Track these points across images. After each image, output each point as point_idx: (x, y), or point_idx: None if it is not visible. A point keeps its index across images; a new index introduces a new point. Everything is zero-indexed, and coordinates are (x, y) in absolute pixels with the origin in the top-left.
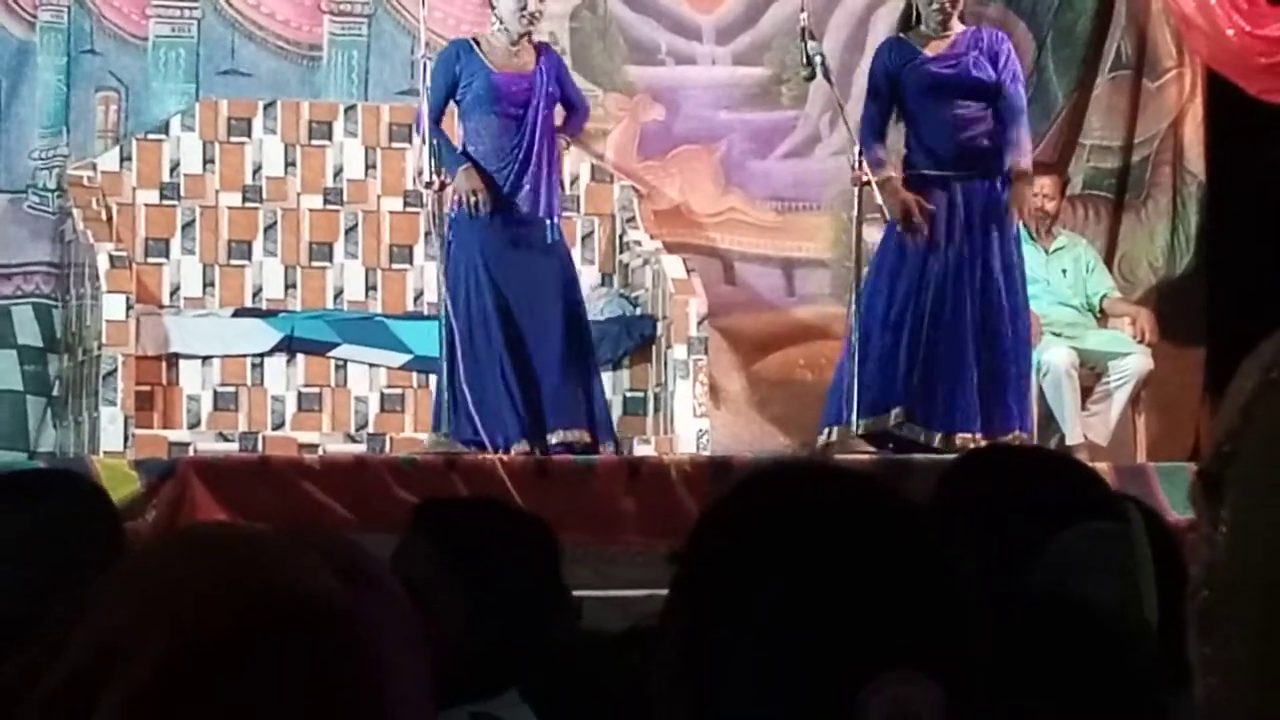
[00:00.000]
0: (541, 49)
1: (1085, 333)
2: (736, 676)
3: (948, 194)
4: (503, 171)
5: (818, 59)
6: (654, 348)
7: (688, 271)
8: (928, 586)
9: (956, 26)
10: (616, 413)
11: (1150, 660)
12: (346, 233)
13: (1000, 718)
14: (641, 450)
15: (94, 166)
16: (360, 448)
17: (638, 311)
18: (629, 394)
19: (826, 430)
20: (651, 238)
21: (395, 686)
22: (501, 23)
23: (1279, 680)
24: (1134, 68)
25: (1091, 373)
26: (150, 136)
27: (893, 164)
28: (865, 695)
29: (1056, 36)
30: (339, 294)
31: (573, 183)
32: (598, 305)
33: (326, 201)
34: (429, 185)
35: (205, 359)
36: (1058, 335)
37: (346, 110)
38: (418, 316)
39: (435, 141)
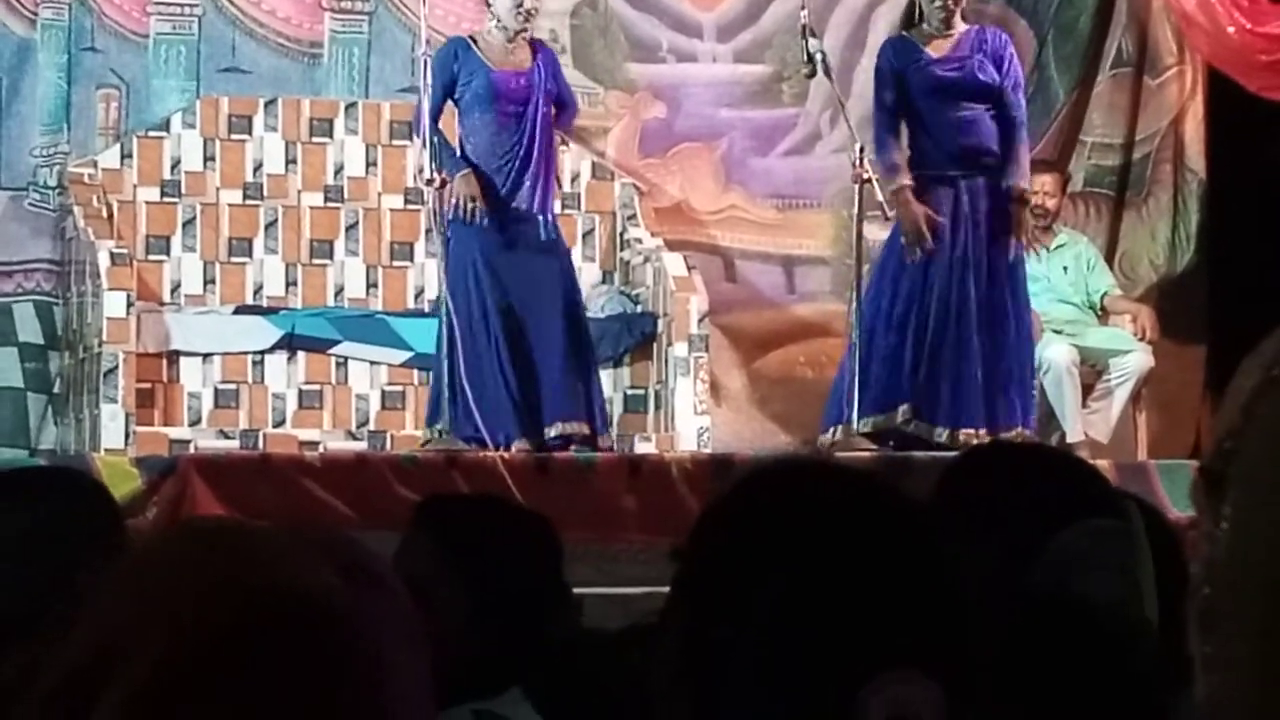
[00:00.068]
0: (537, 46)
1: (1086, 330)
2: (737, 674)
3: (953, 193)
4: (503, 169)
5: (819, 56)
6: (655, 345)
7: (688, 269)
8: (928, 585)
9: (959, 25)
10: (617, 410)
11: (1151, 658)
12: (347, 230)
13: (1001, 717)
14: (642, 448)
15: (95, 164)
16: (361, 445)
17: (638, 309)
18: (630, 391)
19: (830, 430)
20: (652, 235)
21: (396, 684)
22: (498, 20)
23: None
24: (1135, 65)
25: (1092, 370)
26: (151, 134)
27: (907, 171)
28: (865, 694)
29: (1057, 34)
30: (340, 291)
31: (573, 180)
32: (598, 303)
33: (327, 199)
34: (430, 182)
35: (206, 356)
36: (1058, 333)
37: (347, 108)
38: (418, 314)
39: (434, 139)
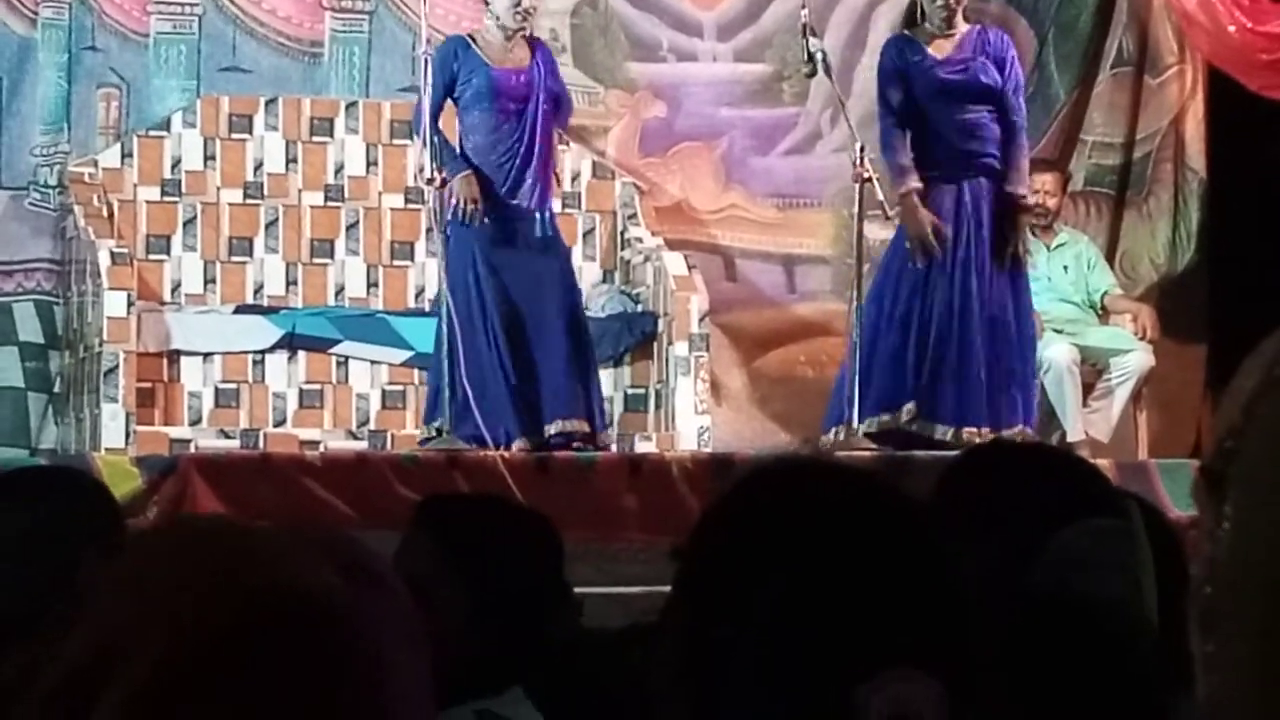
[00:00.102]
0: (535, 43)
1: (1087, 329)
2: (738, 673)
3: (955, 195)
4: (504, 166)
5: (819, 56)
6: (655, 344)
7: (689, 268)
8: (929, 584)
9: (961, 25)
10: (618, 409)
11: (1151, 658)
12: (348, 229)
13: (1002, 716)
14: (643, 447)
15: (95, 163)
16: (362, 445)
17: (639, 308)
18: (630, 391)
19: (833, 429)
20: (653, 234)
21: (396, 684)
22: (497, 19)
23: None
24: (1135, 64)
25: (1093, 369)
26: (151, 133)
27: (915, 173)
28: (866, 693)
29: (1058, 33)
30: (340, 291)
31: (574, 179)
32: (599, 302)
33: (328, 198)
34: (430, 182)
35: (206, 356)
36: (1059, 332)
37: (348, 107)
38: (419, 313)
39: (435, 138)
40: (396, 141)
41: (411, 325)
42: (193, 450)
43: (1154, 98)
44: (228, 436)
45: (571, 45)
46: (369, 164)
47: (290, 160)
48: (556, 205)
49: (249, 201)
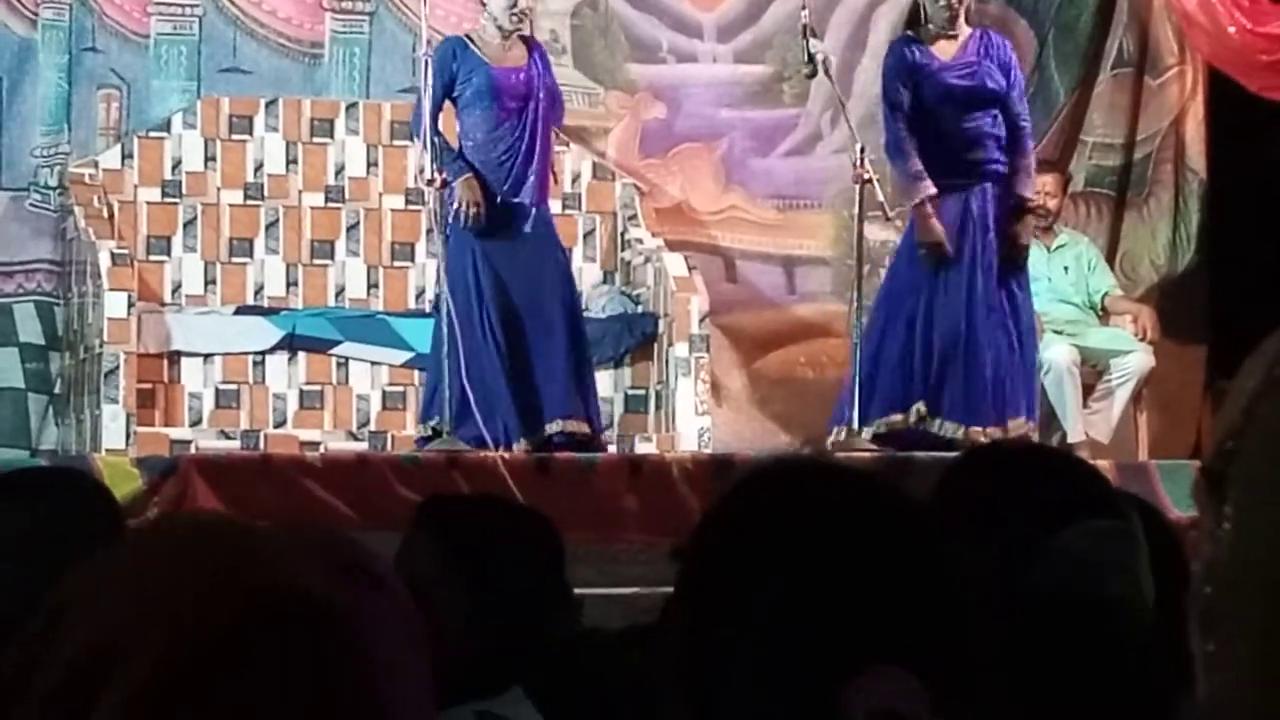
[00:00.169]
0: (531, 43)
1: (1087, 330)
2: (738, 674)
3: (962, 199)
4: (505, 164)
5: (819, 57)
6: (655, 345)
7: (689, 269)
8: (928, 585)
9: (963, 27)
10: (618, 410)
11: (1151, 658)
12: (348, 230)
13: (1002, 716)
14: (643, 448)
15: (95, 164)
16: (362, 445)
17: (639, 309)
18: (630, 392)
19: (836, 429)
20: (653, 235)
21: (396, 685)
22: (494, 19)
23: None
24: (1136, 65)
25: (1093, 370)
26: (152, 134)
27: (928, 179)
28: (851, 692)
29: (1058, 33)
30: (340, 292)
31: (574, 180)
32: (599, 303)
33: (328, 199)
34: (430, 183)
35: (207, 357)
36: (1059, 333)
37: (348, 108)
38: (419, 314)
39: (435, 139)
40: (397, 142)
41: (412, 326)
42: (193, 451)
43: (1154, 99)
44: (228, 437)
45: (571, 46)
46: (369, 165)
47: (290, 161)
48: (556, 206)
49: (249, 202)
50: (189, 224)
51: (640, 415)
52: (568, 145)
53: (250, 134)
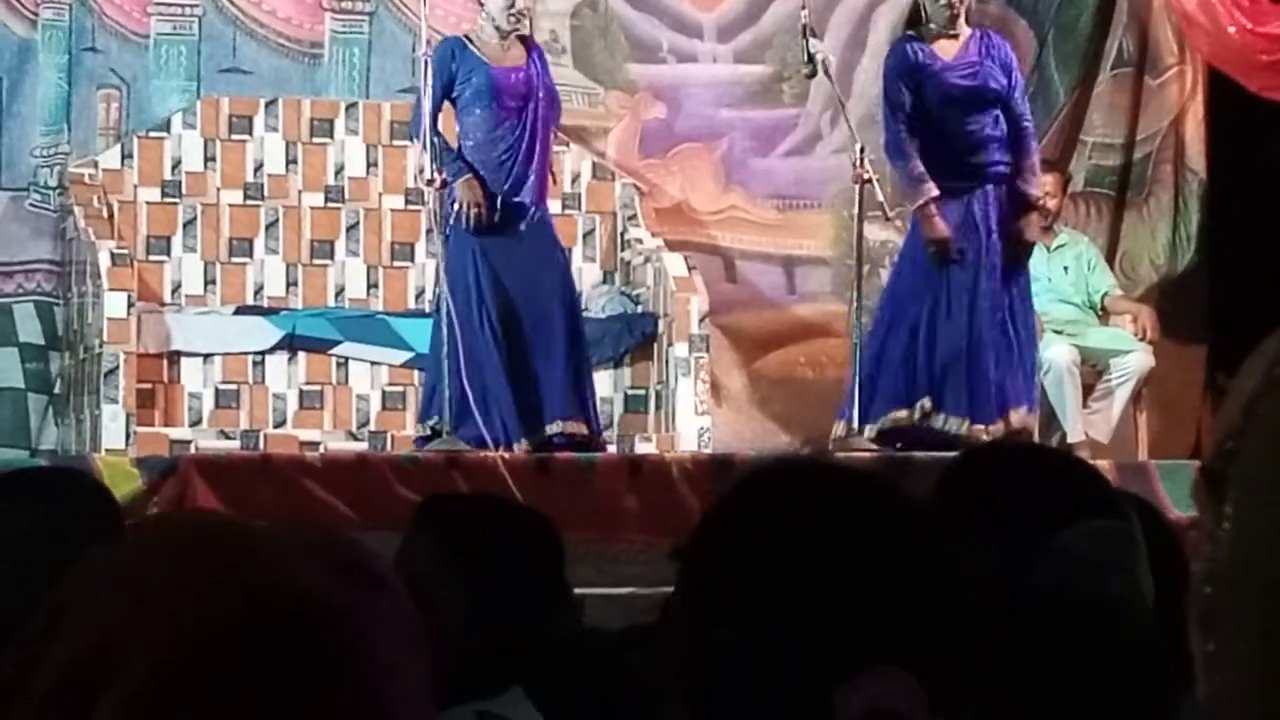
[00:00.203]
0: (530, 43)
1: (1087, 330)
2: (738, 674)
3: (965, 207)
4: (505, 164)
5: (819, 57)
6: (655, 345)
7: (689, 269)
8: (928, 585)
9: (964, 27)
10: (618, 410)
11: (1151, 658)
12: (348, 230)
13: (1002, 716)
14: (643, 448)
15: (95, 164)
16: (362, 445)
17: (639, 309)
18: (630, 392)
19: (840, 423)
20: (653, 235)
21: (395, 685)
22: (492, 20)
23: None
24: (1135, 65)
25: (1093, 370)
26: (151, 134)
27: (930, 181)
28: (845, 693)
29: (1058, 34)
30: (340, 292)
31: (574, 180)
32: (599, 303)
33: (328, 199)
34: (430, 183)
35: (207, 357)
36: (1059, 333)
37: (348, 108)
38: (419, 314)
39: (434, 139)
40: (396, 142)
41: (411, 326)
42: (193, 451)
43: (1154, 99)
44: (228, 437)
45: (571, 46)
46: (369, 165)
47: (290, 161)
48: (556, 206)
49: (249, 202)
50: (189, 224)
51: (640, 415)
52: (567, 145)
53: (250, 134)
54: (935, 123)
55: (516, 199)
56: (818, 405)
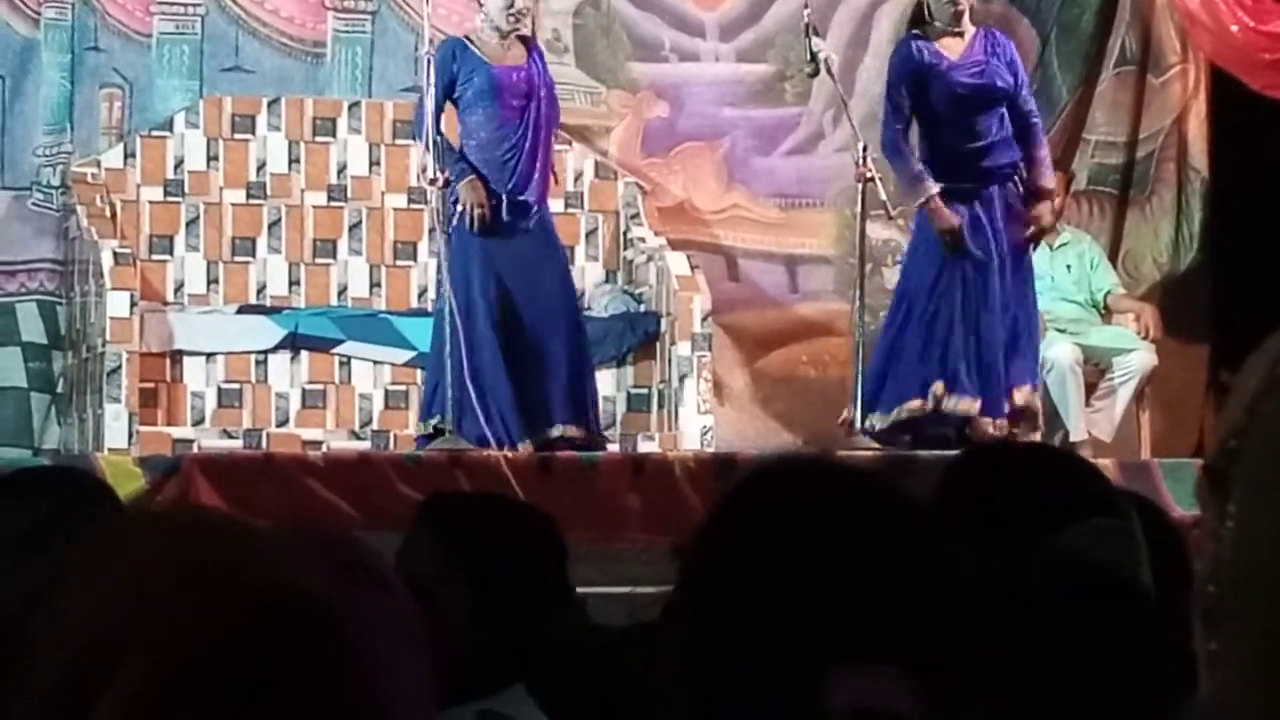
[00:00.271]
0: (530, 42)
1: (1089, 329)
2: (738, 673)
3: (969, 211)
4: (509, 163)
5: (821, 55)
6: (658, 344)
7: (691, 268)
8: (929, 584)
9: (968, 25)
10: (621, 409)
11: (1152, 657)
12: (350, 229)
13: (1001, 715)
14: (646, 447)
15: (98, 163)
16: (364, 445)
17: (642, 308)
18: (633, 390)
19: (849, 412)
20: (655, 234)
21: (396, 685)
22: (490, 20)
23: None
24: (1138, 63)
25: (1096, 369)
26: (154, 133)
27: (930, 177)
28: (833, 688)
29: (1060, 32)
30: (343, 291)
31: (576, 179)
32: (602, 302)
33: (330, 198)
34: (433, 182)
35: (209, 356)
36: (1062, 331)
37: (350, 107)
38: (422, 313)
39: (437, 138)
40: (399, 141)
41: (414, 325)
42: (195, 450)
43: (1157, 97)
44: (230, 437)
45: (574, 45)
46: (372, 164)
47: (293, 160)
48: (559, 205)
49: (252, 201)
50: (191, 223)
51: (643, 414)
52: (570, 144)
53: (253, 133)
54: (941, 124)
55: (520, 198)
56: (820, 404)
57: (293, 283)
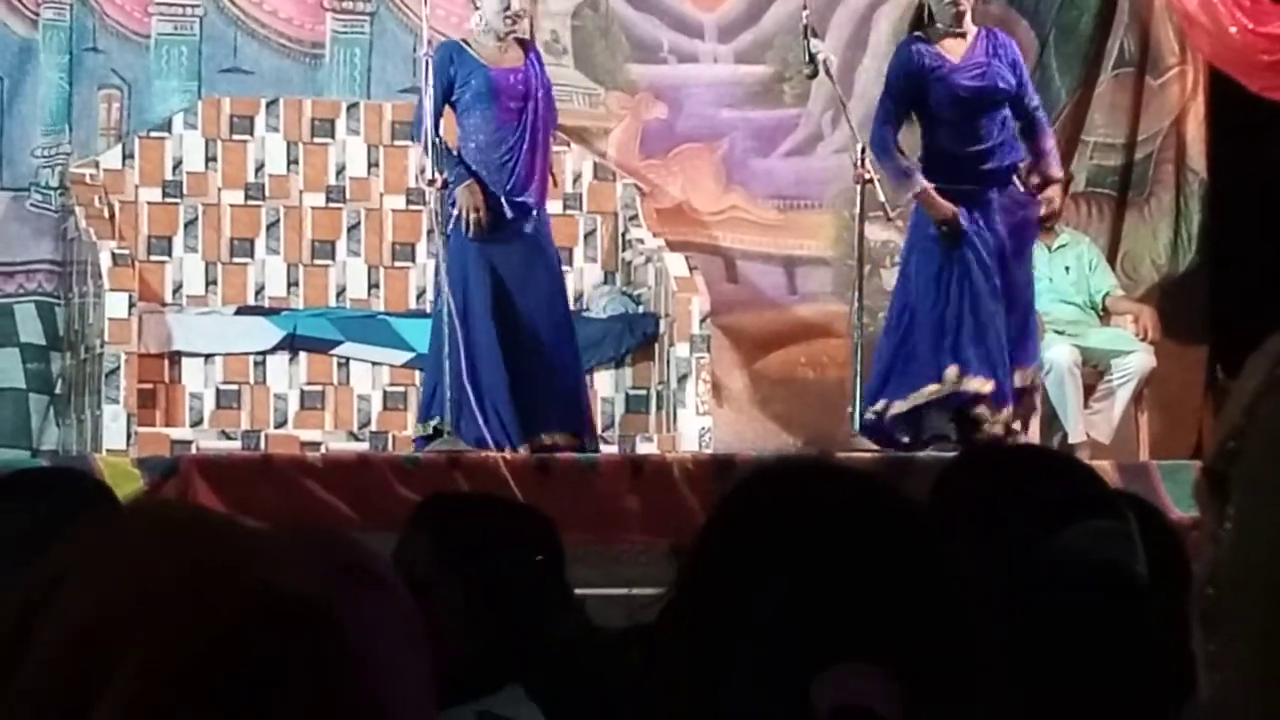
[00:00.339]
0: (527, 44)
1: (1088, 331)
2: (738, 673)
3: (967, 214)
4: (507, 165)
5: (820, 57)
6: (656, 346)
7: (690, 269)
8: (928, 586)
9: (970, 26)
10: (619, 410)
11: (1150, 658)
12: (349, 231)
13: (1001, 715)
14: (644, 448)
15: (96, 164)
16: (363, 446)
17: (640, 309)
18: (632, 392)
19: (876, 403)
20: (654, 236)
21: (395, 685)
22: (486, 23)
23: None
24: (1137, 65)
25: (1094, 371)
26: (153, 134)
27: (919, 172)
28: (818, 686)
29: (1059, 34)
30: (341, 292)
31: (575, 181)
32: (600, 303)
33: (329, 199)
34: (432, 183)
35: (208, 357)
36: (1060, 333)
37: (349, 108)
38: (420, 314)
39: (436, 140)
40: (398, 143)
41: (413, 326)
42: (194, 451)
43: (1155, 99)
44: (229, 438)
45: (572, 47)
46: (370, 165)
47: (291, 161)
48: (558, 206)
49: (250, 203)
50: (190, 224)
51: (641, 415)
52: (568, 146)
53: (251, 134)
54: (943, 126)
55: (519, 199)
56: (819, 405)
57: (291, 284)
